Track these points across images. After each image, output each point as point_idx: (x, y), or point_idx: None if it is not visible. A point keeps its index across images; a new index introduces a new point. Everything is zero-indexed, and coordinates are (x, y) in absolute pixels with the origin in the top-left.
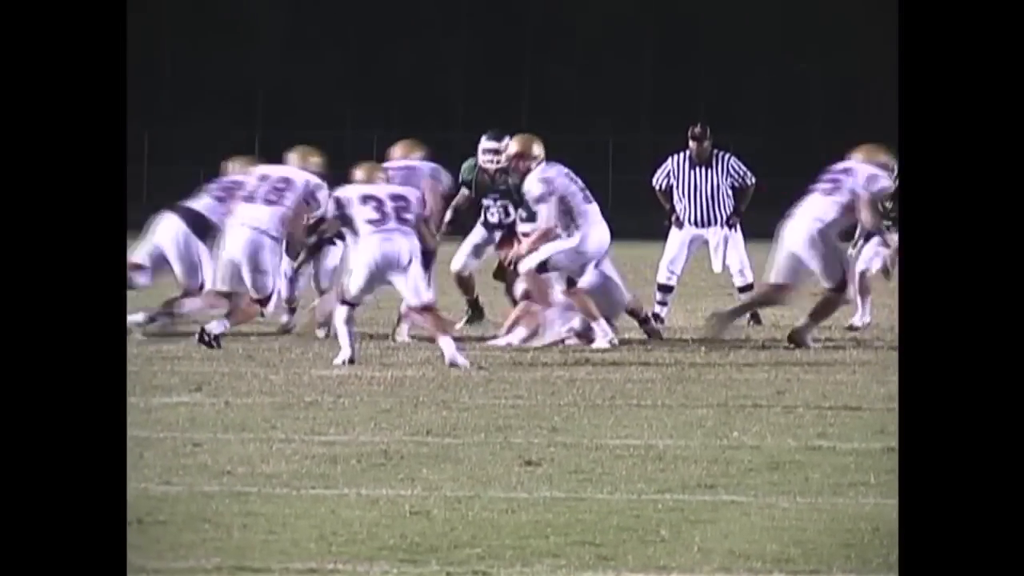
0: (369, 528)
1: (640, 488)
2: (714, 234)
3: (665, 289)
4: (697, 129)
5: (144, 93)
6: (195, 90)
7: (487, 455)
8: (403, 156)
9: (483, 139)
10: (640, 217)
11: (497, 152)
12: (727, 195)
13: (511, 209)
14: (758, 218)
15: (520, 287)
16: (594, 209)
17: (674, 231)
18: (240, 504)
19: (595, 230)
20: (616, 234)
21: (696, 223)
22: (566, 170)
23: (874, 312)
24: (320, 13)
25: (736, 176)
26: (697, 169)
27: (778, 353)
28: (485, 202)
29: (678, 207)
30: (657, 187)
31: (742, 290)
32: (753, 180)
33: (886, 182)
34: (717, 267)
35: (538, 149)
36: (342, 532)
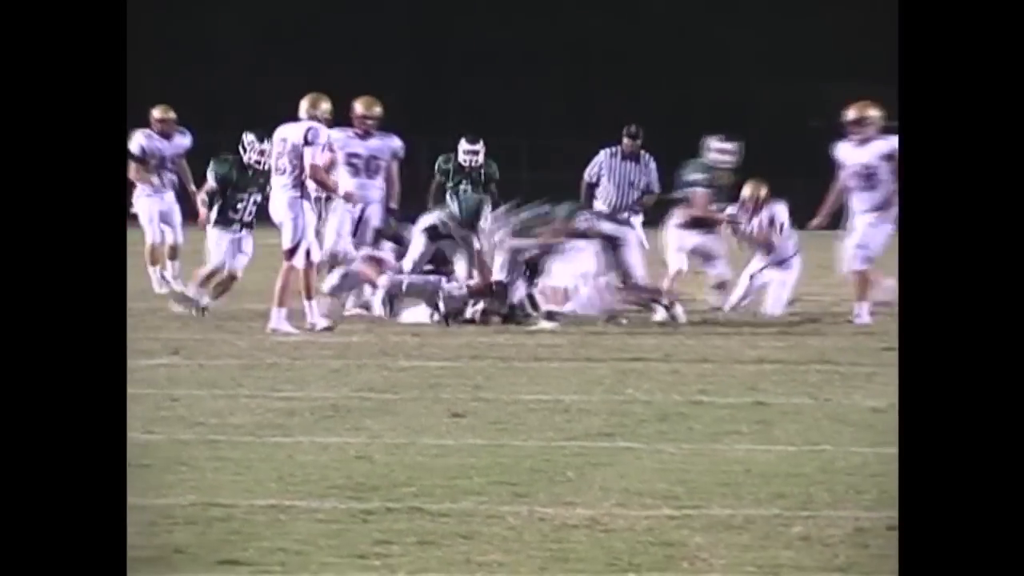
0: (321, 470)
1: (550, 436)
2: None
3: None
4: (633, 128)
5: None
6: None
7: (420, 408)
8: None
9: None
10: None
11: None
12: (639, 189)
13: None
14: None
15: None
16: None
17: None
18: (212, 450)
19: None
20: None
21: (614, 207)
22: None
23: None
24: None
25: (650, 178)
26: (625, 162)
27: (664, 322)
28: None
29: (602, 193)
30: (588, 179)
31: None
32: (658, 190)
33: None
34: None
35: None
36: (298, 474)
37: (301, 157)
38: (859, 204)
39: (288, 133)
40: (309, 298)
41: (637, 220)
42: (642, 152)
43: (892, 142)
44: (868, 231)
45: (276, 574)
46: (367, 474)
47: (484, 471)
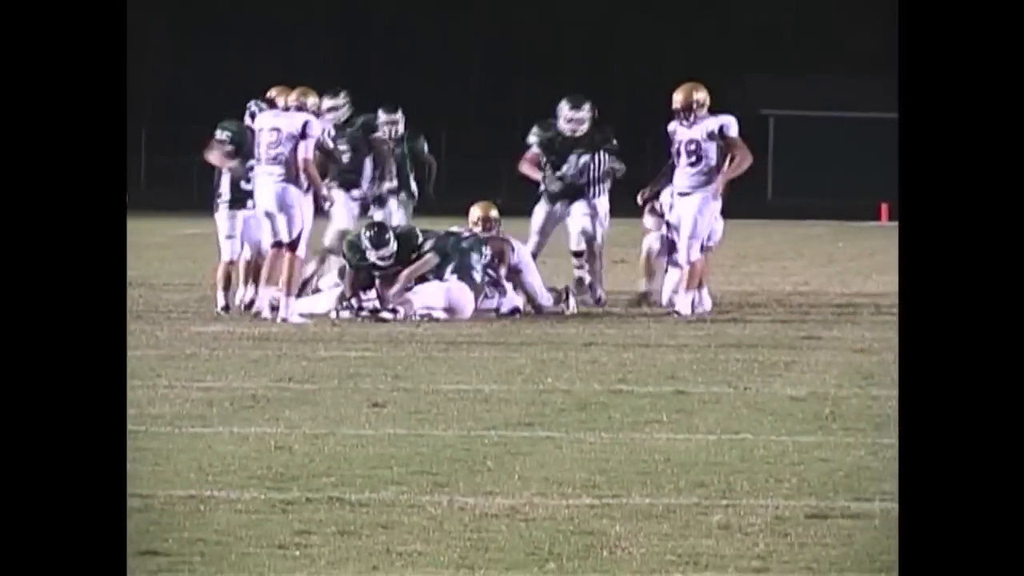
0: (240, 461)
1: (470, 426)
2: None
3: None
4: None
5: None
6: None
7: (340, 398)
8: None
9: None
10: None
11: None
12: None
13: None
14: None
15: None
16: None
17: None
18: (131, 440)
19: None
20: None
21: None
22: None
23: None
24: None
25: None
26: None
27: (583, 310)
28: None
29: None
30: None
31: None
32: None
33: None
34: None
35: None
36: (217, 464)
37: (295, 149)
38: (683, 181)
39: (281, 124)
40: (291, 293)
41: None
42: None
43: (720, 120)
44: (697, 220)
45: (195, 565)
46: (287, 464)
47: (404, 461)
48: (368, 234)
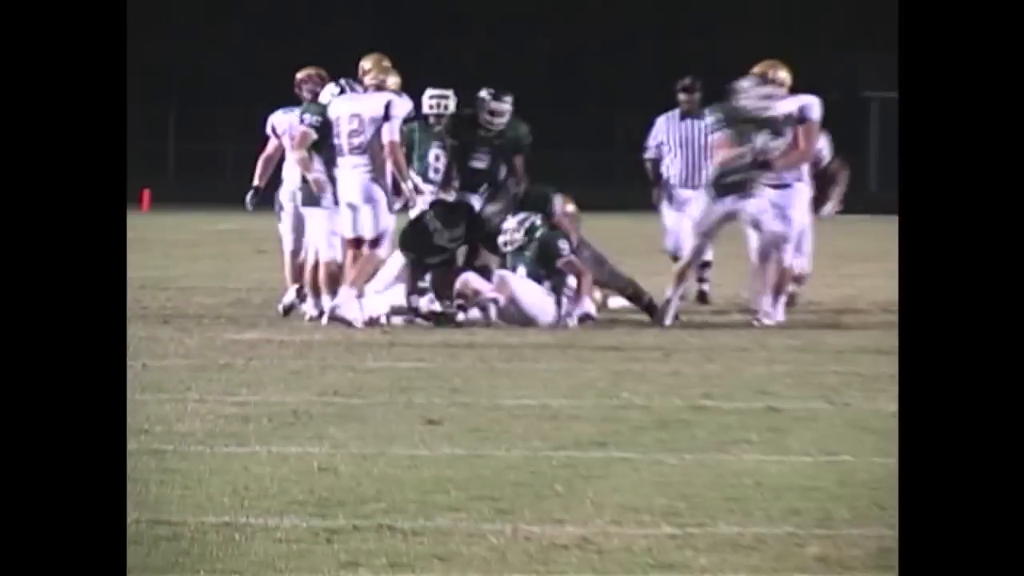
0: (280, 484)
1: (536, 446)
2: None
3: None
4: (687, 81)
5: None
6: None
7: (391, 414)
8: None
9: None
10: None
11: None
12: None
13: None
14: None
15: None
16: None
17: (666, 206)
18: (157, 461)
19: None
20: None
21: (686, 182)
22: None
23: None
24: None
25: None
26: (688, 123)
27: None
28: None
29: (669, 170)
30: (649, 156)
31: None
32: None
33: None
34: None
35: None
36: (254, 488)
37: (379, 134)
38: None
39: (361, 108)
40: (362, 295)
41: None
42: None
43: (800, 101)
44: (793, 216)
45: None
46: (332, 488)
47: (462, 484)
48: (433, 213)
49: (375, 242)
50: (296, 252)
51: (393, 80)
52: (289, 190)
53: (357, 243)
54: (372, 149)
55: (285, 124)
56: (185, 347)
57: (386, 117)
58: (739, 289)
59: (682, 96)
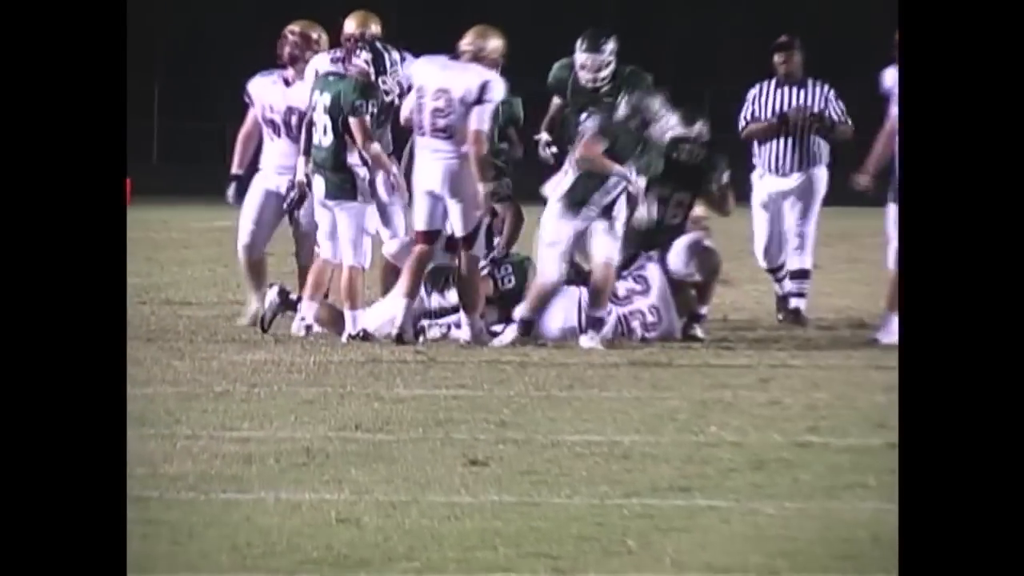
0: (289, 538)
1: (603, 491)
2: (795, 181)
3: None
4: (784, 39)
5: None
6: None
7: (426, 453)
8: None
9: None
10: None
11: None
12: (821, 135)
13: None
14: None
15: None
16: None
17: (757, 206)
18: (139, 511)
19: None
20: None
21: (780, 168)
22: None
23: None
24: None
25: (836, 113)
26: (787, 90)
27: (762, 334)
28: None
29: (760, 153)
30: (744, 133)
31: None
32: (852, 125)
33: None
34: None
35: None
36: (258, 543)
37: (468, 116)
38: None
39: (450, 83)
40: (477, 308)
41: (820, 174)
42: (814, 80)
43: None
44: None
45: None
46: (353, 543)
47: (513, 539)
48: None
49: (469, 240)
50: (300, 254)
51: (494, 45)
52: (281, 179)
53: (427, 237)
54: (459, 134)
55: (270, 95)
56: (174, 371)
57: (479, 100)
58: (852, 299)
59: (777, 59)
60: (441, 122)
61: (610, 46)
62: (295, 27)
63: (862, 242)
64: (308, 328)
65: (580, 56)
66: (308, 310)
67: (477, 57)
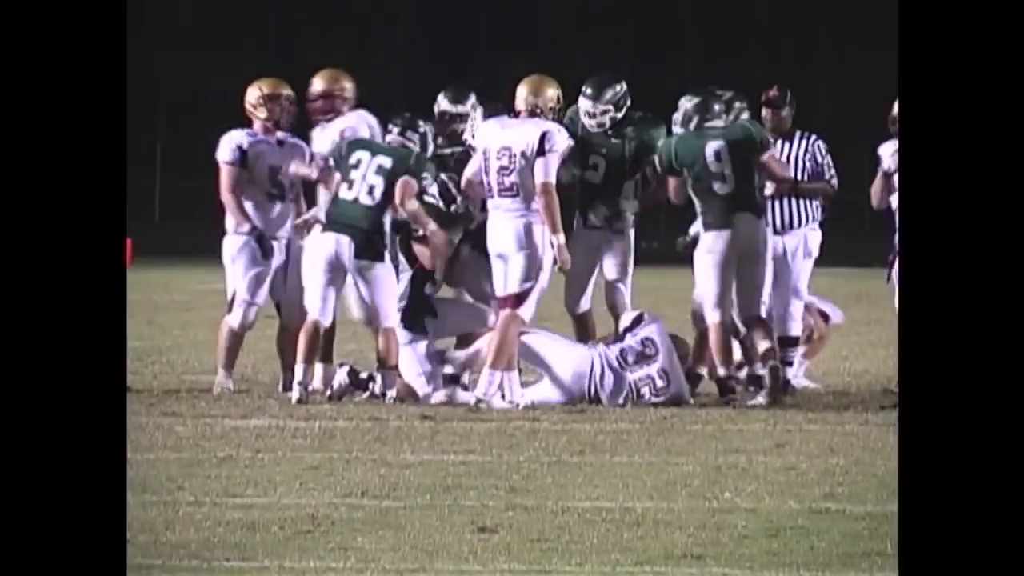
0: None
1: (615, 559)
2: (794, 238)
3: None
4: (773, 93)
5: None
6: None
7: (434, 520)
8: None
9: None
10: None
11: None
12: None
13: None
14: None
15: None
16: None
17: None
18: None
19: None
20: None
21: (780, 224)
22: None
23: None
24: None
25: (818, 166)
26: (775, 144)
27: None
28: None
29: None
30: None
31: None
32: (835, 180)
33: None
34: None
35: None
36: None
37: (532, 171)
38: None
39: (511, 140)
40: (511, 367)
41: (813, 235)
42: (802, 132)
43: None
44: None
45: None
46: None
47: None
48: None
49: (520, 298)
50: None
51: (552, 93)
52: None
53: (509, 303)
54: (525, 190)
55: (272, 158)
56: (176, 436)
57: (540, 151)
58: (868, 362)
59: (766, 112)
60: (507, 180)
61: (608, 94)
62: (287, 90)
63: (881, 304)
64: (331, 396)
65: (583, 102)
66: (340, 376)
67: (534, 113)
